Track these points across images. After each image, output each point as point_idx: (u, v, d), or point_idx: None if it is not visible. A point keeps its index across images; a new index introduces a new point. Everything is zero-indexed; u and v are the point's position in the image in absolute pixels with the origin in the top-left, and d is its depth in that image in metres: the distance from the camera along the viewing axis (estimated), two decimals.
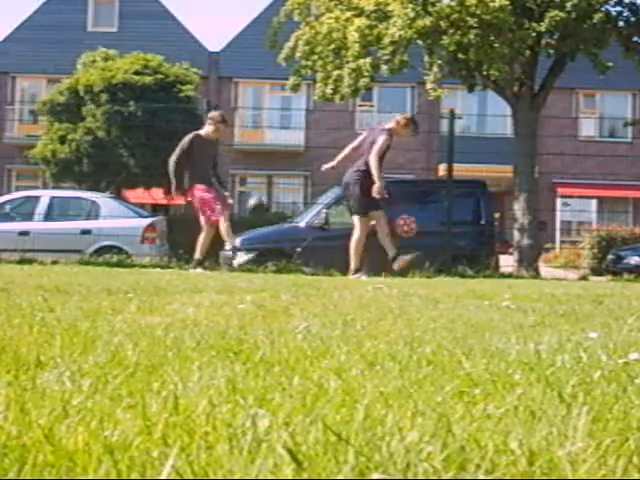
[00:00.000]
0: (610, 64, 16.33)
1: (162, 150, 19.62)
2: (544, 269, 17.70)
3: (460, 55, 16.50)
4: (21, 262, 11.03)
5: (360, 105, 31.90)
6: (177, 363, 2.24)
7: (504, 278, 11.29)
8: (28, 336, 2.73)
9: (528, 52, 16.67)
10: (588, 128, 33.31)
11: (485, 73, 16.84)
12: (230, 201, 10.76)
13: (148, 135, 21.23)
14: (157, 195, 25.20)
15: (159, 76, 22.53)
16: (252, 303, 4.44)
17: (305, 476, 1.24)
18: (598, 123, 33.51)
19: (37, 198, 15.63)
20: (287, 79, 18.42)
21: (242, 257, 10.23)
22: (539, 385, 2.01)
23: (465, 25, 15.93)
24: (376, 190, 9.66)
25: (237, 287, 6.14)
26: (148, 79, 22.20)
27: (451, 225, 12.76)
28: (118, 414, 1.58)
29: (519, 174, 17.08)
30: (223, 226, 10.19)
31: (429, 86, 17.02)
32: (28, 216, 15.13)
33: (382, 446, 1.36)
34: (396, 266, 9.90)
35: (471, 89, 17.85)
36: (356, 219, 10.08)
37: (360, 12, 16.78)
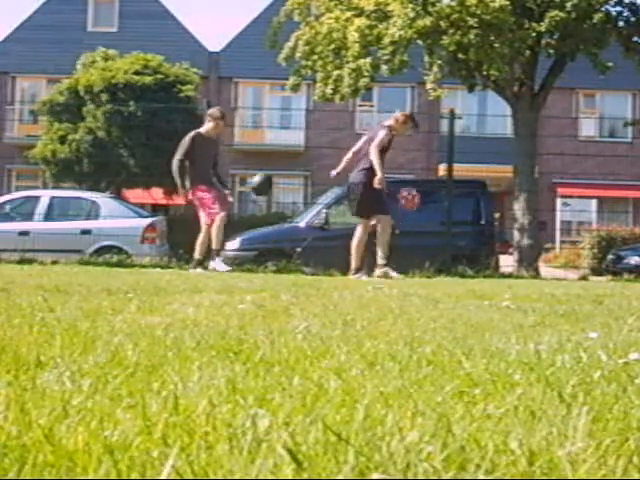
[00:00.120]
0: (610, 64, 16.34)
1: (162, 150, 19.66)
2: (544, 269, 17.70)
3: (460, 55, 16.50)
4: (21, 262, 11.03)
5: (360, 105, 31.90)
6: (177, 363, 2.24)
7: (504, 278, 11.30)
8: (28, 336, 2.73)
9: (528, 52, 16.68)
10: (588, 128, 33.31)
11: (485, 73, 16.85)
12: (230, 199, 10.76)
13: (148, 135, 21.24)
14: (157, 195, 25.22)
15: (159, 76, 22.54)
16: (252, 303, 4.44)
17: (305, 476, 1.24)
18: (598, 123, 33.51)
19: (37, 198, 15.63)
20: (287, 79, 18.43)
21: (220, 265, 10.17)
22: (539, 385, 2.01)
23: (465, 25, 15.93)
24: (377, 181, 9.64)
25: (237, 287, 6.14)
26: (148, 79, 22.21)
27: (451, 225, 12.76)
28: (118, 414, 1.58)
29: (519, 174, 17.09)
30: (215, 227, 10.21)
31: (429, 86, 17.03)
32: (28, 216, 15.13)
33: (382, 446, 1.36)
34: (378, 273, 9.79)
35: (471, 89, 17.86)
36: (360, 219, 10.04)
37: (360, 12, 16.79)
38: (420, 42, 16.57)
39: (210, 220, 10.25)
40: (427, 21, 15.80)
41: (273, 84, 32.24)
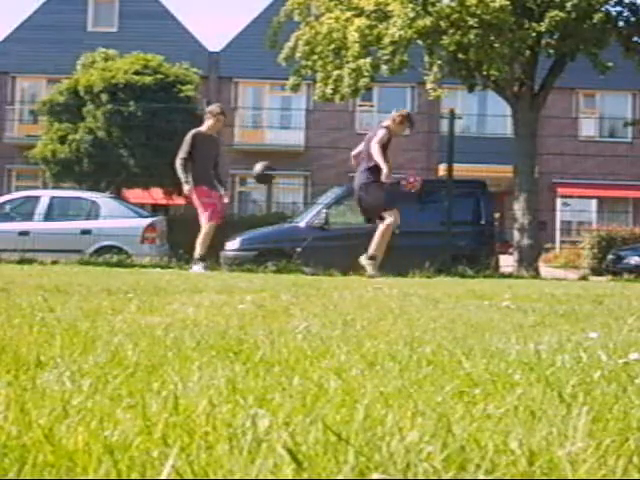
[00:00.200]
0: (610, 64, 16.34)
1: (162, 150, 19.70)
2: (544, 269, 17.70)
3: (460, 55, 16.50)
4: (21, 262, 11.03)
5: (360, 105, 31.90)
6: (177, 363, 2.24)
7: (504, 278, 11.29)
8: (28, 336, 2.73)
9: (528, 52, 16.68)
10: (588, 128, 33.31)
11: (485, 73, 16.85)
12: (226, 200, 10.76)
13: (148, 135, 21.24)
14: (157, 195, 25.23)
15: (159, 76, 22.55)
16: (252, 303, 4.44)
17: (305, 476, 1.24)
18: (598, 123, 33.51)
19: (37, 198, 15.63)
20: (287, 79, 18.43)
21: (199, 269, 10.15)
22: (539, 385, 2.01)
23: (465, 25, 15.93)
24: (385, 175, 9.64)
25: (237, 287, 6.14)
26: (148, 79, 22.21)
27: (451, 225, 12.76)
28: (118, 414, 1.58)
29: (519, 174, 17.09)
30: (202, 234, 10.24)
31: (429, 86, 17.03)
32: (28, 216, 15.13)
33: (382, 446, 1.36)
34: (369, 270, 9.78)
35: (471, 89, 17.85)
36: (385, 214, 9.94)
37: (360, 12, 16.79)
38: (420, 42, 16.56)
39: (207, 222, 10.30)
40: (427, 21, 15.80)
41: (273, 84, 32.24)
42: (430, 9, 15.93)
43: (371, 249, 9.80)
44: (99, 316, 3.52)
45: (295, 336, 2.92)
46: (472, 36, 15.84)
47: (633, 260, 19.60)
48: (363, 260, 9.78)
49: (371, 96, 31.24)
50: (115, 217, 14.93)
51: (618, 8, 16.95)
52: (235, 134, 31.34)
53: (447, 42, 16.11)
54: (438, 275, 10.54)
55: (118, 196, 19.51)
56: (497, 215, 16.01)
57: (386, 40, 16.00)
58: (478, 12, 15.59)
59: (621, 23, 16.90)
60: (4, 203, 15.94)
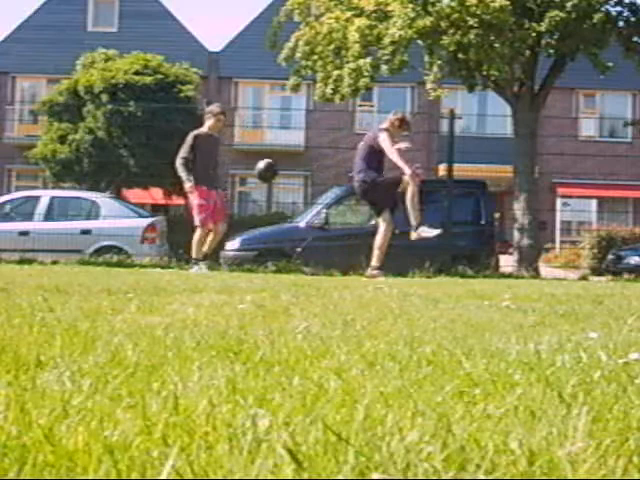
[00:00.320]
0: (610, 64, 16.34)
1: (162, 150, 19.69)
2: (544, 269, 17.70)
3: (460, 55, 16.50)
4: (21, 262, 11.04)
5: (360, 105, 31.89)
6: (177, 363, 2.24)
7: (504, 278, 11.30)
8: (28, 336, 2.73)
9: (528, 52, 16.68)
10: (588, 128, 33.31)
11: (485, 73, 16.85)
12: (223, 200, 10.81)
13: (148, 135, 21.24)
14: (157, 195, 25.23)
15: (159, 76, 22.54)
16: (252, 303, 4.44)
17: (305, 476, 1.24)
18: (598, 123, 33.51)
19: (37, 198, 15.64)
20: (287, 79, 18.43)
21: (197, 270, 10.17)
22: (539, 385, 2.01)
23: (465, 25, 15.93)
24: (409, 178, 9.66)
25: (237, 287, 6.14)
26: (148, 79, 22.21)
27: (451, 225, 12.76)
28: (118, 414, 1.58)
29: (519, 174, 17.09)
30: (197, 237, 10.29)
31: (429, 86, 17.03)
32: (28, 216, 15.14)
33: (382, 446, 1.36)
34: (370, 273, 9.79)
35: (471, 89, 17.85)
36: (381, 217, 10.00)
37: (360, 12, 16.79)
38: (420, 42, 16.56)
39: (205, 223, 10.35)
40: (427, 21, 15.79)
41: (273, 84, 32.24)
42: (430, 9, 15.93)
43: (374, 261, 9.81)
44: (99, 316, 3.52)
45: (295, 336, 2.92)
46: (472, 36, 15.84)
47: (633, 260, 19.61)
48: (369, 273, 9.75)
49: (371, 96, 31.23)
50: (115, 217, 14.94)
51: (618, 8, 16.95)
52: (235, 134, 31.33)
53: (447, 42, 16.10)
54: (438, 275, 10.55)
55: (118, 196, 19.53)
56: (497, 215, 16.01)
57: (386, 40, 16.00)
58: (478, 12, 15.59)
59: (621, 23, 16.89)
60: (4, 203, 15.95)
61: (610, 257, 20.66)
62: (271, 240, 14.04)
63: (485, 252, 13.22)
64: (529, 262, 16.02)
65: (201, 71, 26.59)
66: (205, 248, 10.40)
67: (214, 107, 10.84)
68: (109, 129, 21.77)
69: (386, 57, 16.23)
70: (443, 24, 16.01)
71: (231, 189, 31.18)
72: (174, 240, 15.17)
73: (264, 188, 32.71)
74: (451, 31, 16.10)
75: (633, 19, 16.88)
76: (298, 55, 17.34)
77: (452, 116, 13.45)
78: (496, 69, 16.19)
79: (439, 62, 16.79)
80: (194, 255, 10.39)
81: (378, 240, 9.86)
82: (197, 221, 10.32)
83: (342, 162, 26.67)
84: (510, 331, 3.29)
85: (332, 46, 16.94)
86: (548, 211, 28.48)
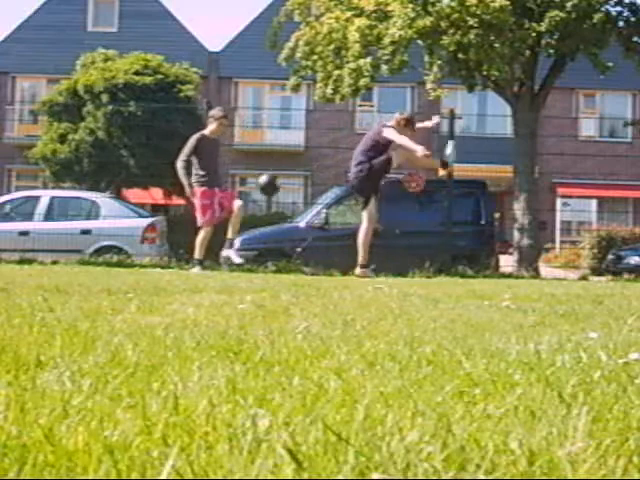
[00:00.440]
0: (610, 64, 16.33)
1: (162, 150, 19.68)
2: (544, 269, 17.70)
3: (460, 55, 16.49)
4: (21, 262, 11.03)
5: (360, 105, 31.89)
6: (177, 363, 2.24)
7: (504, 278, 11.29)
8: (28, 336, 2.73)
9: (528, 52, 16.67)
10: (588, 128, 33.31)
11: (485, 73, 16.84)
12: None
13: (148, 135, 21.23)
14: (157, 195, 25.22)
15: (159, 76, 22.53)
16: (252, 303, 4.44)
17: (305, 476, 1.24)
18: (598, 123, 33.51)
19: (37, 198, 15.63)
20: (287, 79, 18.42)
21: (197, 270, 10.20)
22: (539, 385, 2.01)
23: (465, 25, 15.92)
24: (421, 154, 9.78)
25: (237, 287, 6.14)
26: (148, 79, 22.20)
27: (451, 225, 12.76)
28: (118, 414, 1.58)
29: (519, 174, 17.08)
30: (199, 238, 10.34)
31: (429, 86, 17.02)
32: (28, 216, 15.13)
33: (382, 446, 1.36)
34: (358, 272, 9.82)
35: (471, 89, 17.84)
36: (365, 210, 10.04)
37: (360, 12, 16.78)
38: (420, 42, 16.56)
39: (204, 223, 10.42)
40: (427, 21, 15.79)
41: (273, 84, 32.23)
42: (430, 9, 15.92)
43: (359, 259, 9.85)
44: (99, 316, 3.52)
45: (295, 336, 2.92)
46: (472, 36, 15.83)
47: (633, 260, 19.60)
48: (358, 272, 9.79)
49: (371, 96, 31.22)
50: (115, 217, 14.93)
51: (618, 8, 16.94)
52: (235, 134, 31.32)
53: (447, 42, 16.10)
54: (438, 275, 10.54)
55: (118, 196, 19.52)
56: (497, 215, 16.00)
57: (386, 40, 15.99)
58: (478, 12, 15.58)
59: (621, 23, 16.89)
60: (4, 203, 15.94)
61: (610, 257, 20.66)
62: (271, 240, 14.03)
63: (485, 252, 13.21)
64: (529, 262, 16.02)
65: (201, 71, 26.58)
66: (230, 235, 10.53)
67: (216, 111, 10.85)
68: (109, 129, 21.76)
69: (386, 57, 16.22)
70: (443, 24, 16.01)
71: (231, 189, 31.14)
72: (174, 240, 15.17)
73: None
74: (451, 31, 16.09)
75: (633, 19, 16.87)
76: (298, 55, 17.34)
77: (452, 116, 13.44)
78: (496, 69, 16.19)
79: (439, 62, 16.78)
80: (196, 255, 10.43)
81: (360, 237, 9.88)
82: (200, 222, 10.34)
83: (342, 162, 26.64)
84: (510, 331, 3.29)
85: (332, 46, 16.93)
86: (548, 211, 28.47)
